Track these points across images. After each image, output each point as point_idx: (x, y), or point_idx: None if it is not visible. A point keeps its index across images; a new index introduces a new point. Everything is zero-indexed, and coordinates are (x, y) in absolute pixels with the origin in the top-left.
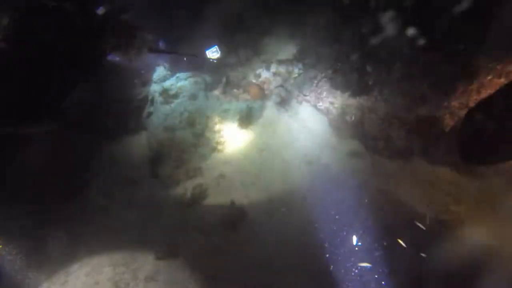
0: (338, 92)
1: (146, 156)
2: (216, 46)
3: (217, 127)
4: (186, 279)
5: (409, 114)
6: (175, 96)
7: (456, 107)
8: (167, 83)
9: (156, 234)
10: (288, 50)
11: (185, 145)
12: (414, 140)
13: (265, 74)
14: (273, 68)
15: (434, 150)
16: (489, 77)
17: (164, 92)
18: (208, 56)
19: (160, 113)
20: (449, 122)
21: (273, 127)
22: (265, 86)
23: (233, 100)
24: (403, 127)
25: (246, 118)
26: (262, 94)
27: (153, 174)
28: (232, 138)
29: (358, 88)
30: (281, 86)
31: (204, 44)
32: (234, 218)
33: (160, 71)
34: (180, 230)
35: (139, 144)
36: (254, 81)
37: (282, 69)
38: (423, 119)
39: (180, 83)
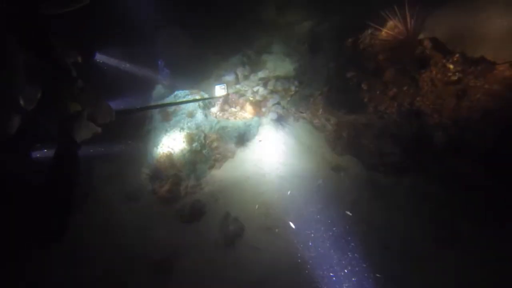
0: (334, 109)
1: (145, 173)
2: (225, 84)
3: (214, 144)
4: None
5: (404, 130)
6: (174, 113)
7: (448, 124)
8: (165, 101)
9: (152, 251)
10: (285, 67)
11: (183, 162)
12: (409, 157)
13: (262, 92)
14: (270, 86)
15: (428, 167)
16: (477, 96)
17: (163, 110)
18: (216, 93)
19: (159, 131)
20: (441, 139)
21: (270, 143)
22: (262, 104)
23: (230, 118)
24: (398, 143)
25: (244, 135)
26: (260, 112)
27: (152, 191)
28: (229, 155)
29: (354, 105)
30: (278, 103)
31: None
32: (232, 234)
33: (158, 89)
34: (177, 246)
35: (138, 161)
36: (251, 98)
37: (279, 87)
38: (417, 136)
39: (178, 101)
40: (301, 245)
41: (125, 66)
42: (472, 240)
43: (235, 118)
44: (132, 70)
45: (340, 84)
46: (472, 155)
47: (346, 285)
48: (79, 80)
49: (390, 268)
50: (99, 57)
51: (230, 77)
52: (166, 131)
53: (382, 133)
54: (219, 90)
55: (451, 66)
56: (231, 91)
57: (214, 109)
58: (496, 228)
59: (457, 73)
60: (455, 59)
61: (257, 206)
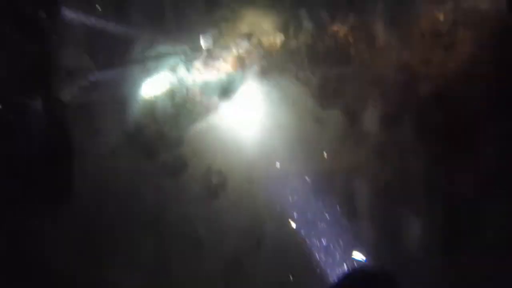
0: (320, 62)
1: (126, 127)
2: (210, 33)
3: (197, 98)
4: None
5: (390, 83)
6: (155, 68)
7: (434, 77)
8: (146, 54)
9: (136, 206)
10: (270, 20)
11: (165, 116)
12: (395, 109)
13: (246, 45)
14: (255, 39)
15: (411, 120)
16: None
17: (143, 63)
18: (201, 43)
19: (140, 85)
20: (426, 92)
21: (254, 97)
22: (246, 57)
23: (214, 72)
24: (384, 95)
25: (227, 89)
26: (244, 65)
27: (133, 146)
28: (213, 109)
29: (340, 58)
30: (263, 57)
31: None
32: (216, 186)
33: (140, 44)
34: (160, 200)
35: (118, 115)
36: (235, 52)
37: (263, 40)
38: (402, 89)
39: (160, 55)
40: (285, 199)
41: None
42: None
43: (218, 72)
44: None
45: (326, 36)
46: (455, 108)
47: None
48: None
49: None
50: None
51: (213, 31)
52: (147, 84)
53: (368, 86)
54: (204, 40)
55: (442, 17)
56: (215, 45)
57: (197, 63)
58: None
59: (446, 24)
60: (447, 8)
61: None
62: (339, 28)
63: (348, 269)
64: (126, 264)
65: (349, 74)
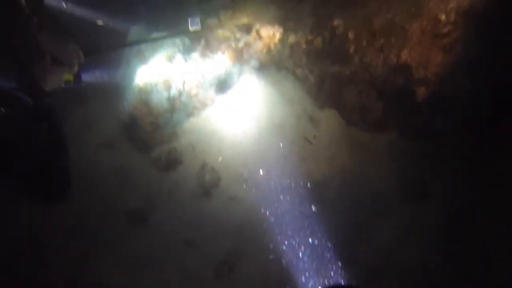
0: (318, 59)
1: (120, 119)
2: (198, 17)
3: (194, 91)
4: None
5: (387, 85)
6: (151, 57)
7: (432, 80)
8: (142, 42)
9: (129, 200)
10: (270, 13)
11: (161, 109)
12: (391, 113)
13: (245, 38)
14: (254, 32)
15: (408, 123)
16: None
17: (139, 52)
18: (190, 26)
19: (135, 75)
20: (423, 95)
21: (251, 92)
22: (245, 50)
23: (211, 64)
24: (381, 98)
25: (224, 83)
26: (241, 59)
27: (127, 139)
28: (209, 103)
29: (339, 55)
30: (261, 50)
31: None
32: (209, 184)
33: (134, 30)
34: (153, 195)
35: (112, 107)
36: (233, 44)
37: (262, 33)
38: (400, 91)
39: (156, 44)
40: (278, 199)
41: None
42: (440, 196)
43: (216, 65)
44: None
45: (326, 32)
46: (452, 112)
47: (315, 235)
48: (34, 17)
49: (359, 220)
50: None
51: (212, 21)
52: (143, 75)
53: (365, 87)
54: (192, 24)
55: (443, 17)
56: (212, 36)
57: (195, 54)
58: (464, 185)
59: (448, 25)
60: (449, 9)
61: (220, 159)
62: (339, 24)
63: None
64: (114, 260)
65: (347, 74)
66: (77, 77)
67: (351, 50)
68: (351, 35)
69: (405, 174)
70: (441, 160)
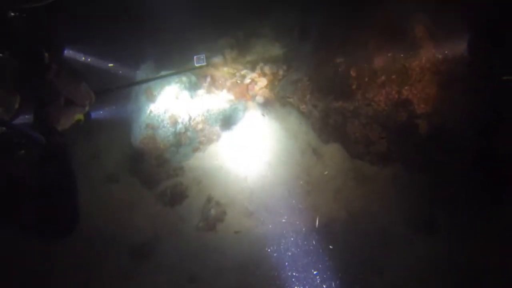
0: (322, 95)
1: (127, 154)
2: (204, 54)
3: (199, 126)
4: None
5: (390, 119)
6: (158, 94)
7: (433, 115)
8: (150, 80)
9: (132, 234)
10: (274, 51)
11: (167, 144)
12: (394, 146)
13: (250, 75)
14: (258, 69)
15: (412, 156)
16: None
17: (147, 90)
18: (195, 63)
19: (143, 111)
20: (425, 129)
21: (256, 128)
22: (250, 87)
23: (217, 100)
24: (384, 132)
25: (229, 119)
26: (246, 95)
27: (134, 172)
28: (214, 138)
29: (342, 91)
30: (265, 87)
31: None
32: (214, 218)
33: (143, 69)
34: (157, 229)
35: (120, 141)
36: (238, 81)
37: (267, 71)
38: (402, 125)
39: (164, 81)
40: (284, 233)
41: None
42: (447, 229)
43: (221, 101)
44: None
45: (329, 69)
46: (452, 145)
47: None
48: (53, 65)
49: (369, 254)
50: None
51: (217, 59)
52: (150, 111)
53: (369, 122)
54: (198, 61)
55: (440, 56)
56: (218, 73)
57: (201, 91)
58: (470, 218)
59: (445, 63)
60: (442, 49)
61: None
62: (342, 62)
63: None
64: None
65: (351, 109)
66: (87, 116)
67: (354, 86)
68: (353, 72)
69: (410, 207)
70: (445, 193)
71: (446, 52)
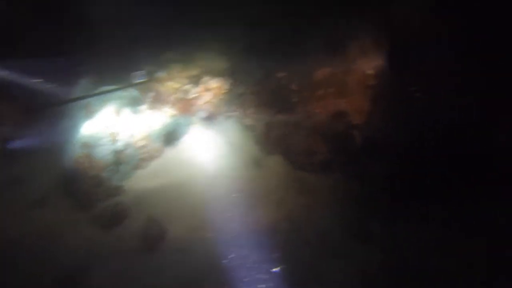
0: (264, 109)
1: (59, 174)
2: (144, 71)
3: (141, 143)
4: None
5: (329, 130)
6: (97, 110)
7: (366, 126)
8: (89, 97)
9: (66, 258)
10: (219, 65)
11: (105, 162)
12: (334, 156)
13: (194, 89)
14: (202, 84)
15: (349, 166)
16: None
17: (85, 107)
18: (135, 79)
19: (79, 129)
20: (360, 139)
21: (199, 143)
22: (194, 102)
23: (160, 116)
24: (324, 142)
25: (172, 134)
26: (190, 110)
27: (67, 194)
28: (156, 155)
29: (284, 105)
30: (210, 101)
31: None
32: (154, 237)
33: (82, 84)
34: (92, 254)
35: (50, 161)
36: (182, 96)
37: (211, 85)
38: (340, 136)
39: (104, 97)
40: (226, 246)
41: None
42: (380, 236)
43: (164, 116)
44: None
45: (271, 83)
46: (382, 155)
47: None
48: None
49: (308, 262)
50: None
51: (161, 74)
52: (88, 129)
53: (310, 133)
54: (138, 77)
55: (371, 71)
56: (162, 88)
57: (143, 107)
58: (401, 227)
59: (375, 78)
60: (373, 64)
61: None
62: (284, 76)
63: None
64: None
65: (292, 121)
66: (7, 139)
67: (295, 99)
68: (294, 86)
69: (348, 215)
70: (378, 202)
71: (375, 68)
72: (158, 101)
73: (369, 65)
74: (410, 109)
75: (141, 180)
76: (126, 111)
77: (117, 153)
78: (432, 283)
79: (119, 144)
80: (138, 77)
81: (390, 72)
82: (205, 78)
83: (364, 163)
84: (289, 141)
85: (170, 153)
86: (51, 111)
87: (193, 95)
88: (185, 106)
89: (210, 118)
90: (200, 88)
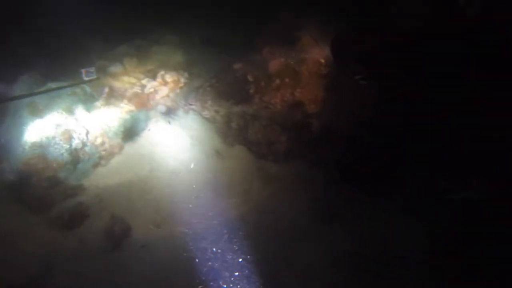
0: (223, 101)
1: (8, 178)
2: (94, 67)
3: (99, 140)
4: None
5: (287, 120)
6: (46, 108)
7: (321, 114)
8: (35, 94)
9: (25, 265)
10: (175, 59)
11: (61, 162)
12: (294, 144)
13: (150, 84)
14: (159, 78)
15: (310, 153)
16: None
17: (31, 105)
18: (84, 77)
19: (25, 129)
20: (316, 127)
21: (159, 137)
22: (151, 96)
23: (116, 112)
24: (283, 132)
25: (131, 130)
26: (148, 105)
27: (16, 199)
28: (116, 151)
29: (241, 96)
30: (167, 95)
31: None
32: (118, 235)
33: (26, 80)
34: (52, 258)
35: None
36: (139, 91)
37: (168, 79)
38: (298, 124)
39: (52, 94)
40: (194, 240)
41: None
42: (346, 215)
43: (121, 112)
44: None
45: (228, 75)
46: (338, 142)
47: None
48: None
49: (278, 249)
50: None
51: (116, 68)
52: (37, 128)
53: (268, 123)
54: (87, 74)
55: (322, 61)
56: (117, 83)
57: (98, 103)
58: (364, 204)
59: (327, 67)
60: (324, 54)
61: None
62: (240, 67)
63: None
64: None
65: (250, 112)
66: None
67: (252, 90)
68: (250, 78)
69: (313, 200)
70: (339, 185)
71: (326, 57)
72: (113, 96)
73: (320, 55)
74: (357, 97)
75: (102, 178)
76: (80, 108)
77: (73, 151)
78: (399, 259)
79: (75, 143)
80: (89, 73)
81: (335, 61)
82: (162, 72)
83: (322, 150)
84: (249, 131)
85: (131, 149)
86: None
87: (150, 90)
88: (142, 101)
89: (169, 112)
90: (156, 82)
